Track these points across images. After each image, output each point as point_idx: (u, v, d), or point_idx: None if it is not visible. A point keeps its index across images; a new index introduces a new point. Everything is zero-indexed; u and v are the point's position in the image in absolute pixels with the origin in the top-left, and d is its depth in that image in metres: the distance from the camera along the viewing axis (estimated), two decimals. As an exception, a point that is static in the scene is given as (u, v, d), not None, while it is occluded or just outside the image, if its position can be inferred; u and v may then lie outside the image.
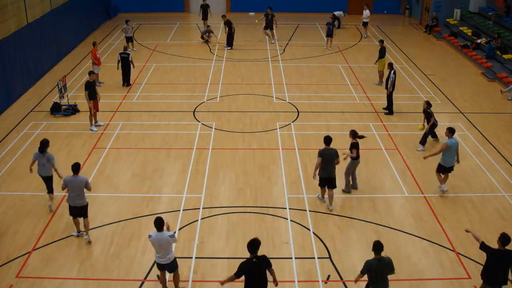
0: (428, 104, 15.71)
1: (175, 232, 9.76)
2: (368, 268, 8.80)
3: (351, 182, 13.55)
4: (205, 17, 29.86)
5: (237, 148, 15.82)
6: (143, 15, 33.74)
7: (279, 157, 15.27)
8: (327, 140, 12.48)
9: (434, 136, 16.10)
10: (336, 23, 29.23)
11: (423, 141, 15.73)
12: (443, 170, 13.27)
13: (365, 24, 28.94)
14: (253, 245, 8.61)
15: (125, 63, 20.45)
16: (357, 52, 26.25)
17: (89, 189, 11.40)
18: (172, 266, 9.75)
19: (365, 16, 28.66)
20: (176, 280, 9.95)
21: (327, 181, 12.59)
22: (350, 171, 13.41)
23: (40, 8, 22.19)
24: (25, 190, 13.55)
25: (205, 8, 29.80)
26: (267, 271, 8.85)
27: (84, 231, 11.51)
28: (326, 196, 12.89)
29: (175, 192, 13.52)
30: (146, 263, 10.82)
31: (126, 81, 20.85)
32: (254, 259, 8.62)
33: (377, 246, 8.86)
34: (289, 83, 21.40)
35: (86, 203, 11.41)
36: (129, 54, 20.45)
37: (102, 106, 17.89)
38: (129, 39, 25.48)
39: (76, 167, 11.23)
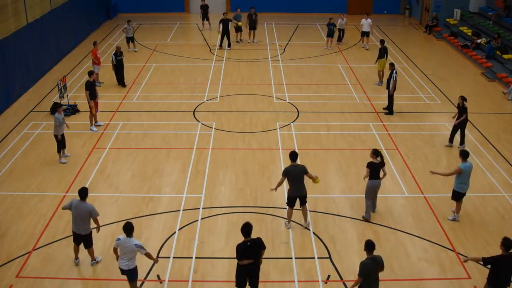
0: (463, 99, 15.38)
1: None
2: (365, 269, 8.68)
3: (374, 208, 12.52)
4: (204, 18, 29.85)
5: (237, 148, 15.83)
6: (143, 15, 33.73)
7: (279, 157, 15.27)
8: (293, 156, 11.49)
9: (451, 139, 15.88)
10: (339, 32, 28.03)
11: (451, 139, 15.83)
12: (459, 197, 12.20)
13: (365, 34, 26.41)
14: (242, 229, 9.24)
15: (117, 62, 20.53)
16: (357, 52, 26.23)
17: (94, 218, 10.37)
18: (131, 275, 9.58)
19: (365, 25, 26.17)
20: None
21: (297, 199, 11.71)
22: (370, 194, 12.19)
23: (40, 8, 22.19)
24: (25, 190, 13.54)
25: (204, 9, 29.80)
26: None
27: (91, 259, 10.81)
28: (303, 216, 12.03)
29: (175, 192, 13.52)
30: (146, 263, 10.78)
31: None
32: (248, 242, 9.15)
33: (370, 245, 8.73)
34: (289, 83, 21.40)
35: (90, 231, 10.56)
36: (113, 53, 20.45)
37: (102, 106, 17.89)
38: (130, 39, 25.49)
39: (82, 193, 10.33)
